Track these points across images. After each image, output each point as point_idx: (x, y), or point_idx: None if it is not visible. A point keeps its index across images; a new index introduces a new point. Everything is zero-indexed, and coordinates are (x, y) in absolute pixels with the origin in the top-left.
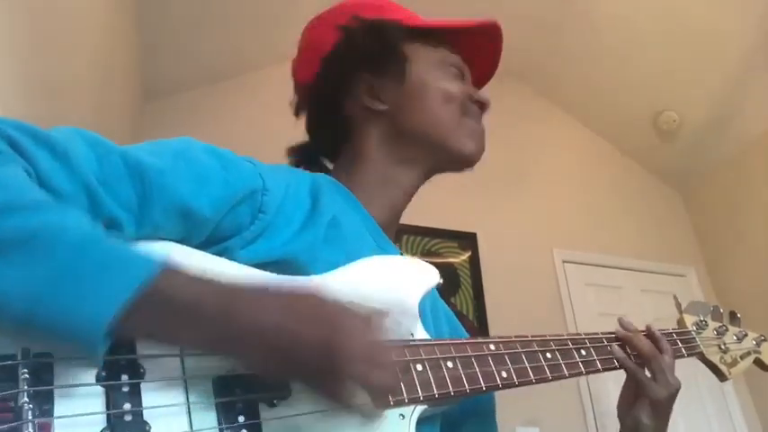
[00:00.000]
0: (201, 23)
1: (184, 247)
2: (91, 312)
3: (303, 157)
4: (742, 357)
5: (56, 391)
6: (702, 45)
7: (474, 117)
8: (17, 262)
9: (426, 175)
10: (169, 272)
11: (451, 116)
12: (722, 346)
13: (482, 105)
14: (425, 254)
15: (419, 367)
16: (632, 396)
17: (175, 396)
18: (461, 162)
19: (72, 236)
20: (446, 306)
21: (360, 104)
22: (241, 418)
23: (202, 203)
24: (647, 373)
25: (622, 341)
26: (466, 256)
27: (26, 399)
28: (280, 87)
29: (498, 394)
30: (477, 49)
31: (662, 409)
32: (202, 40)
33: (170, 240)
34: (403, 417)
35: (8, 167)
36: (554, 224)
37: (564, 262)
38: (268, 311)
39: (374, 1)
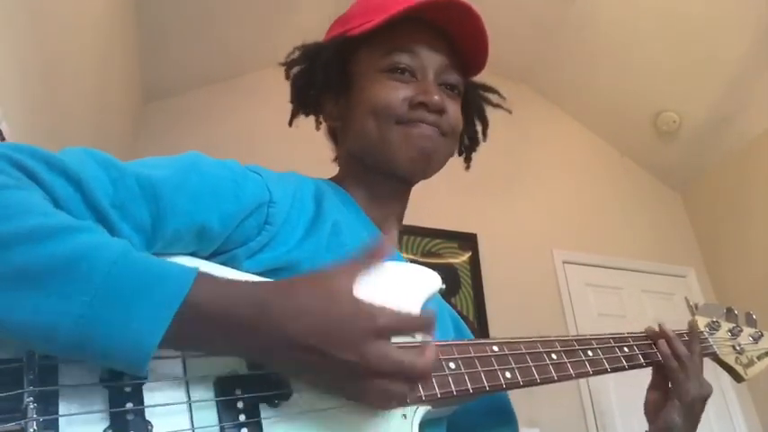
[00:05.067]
0: (201, 25)
1: (194, 258)
2: (137, 336)
3: None
4: (759, 358)
5: (60, 391)
6: (702, 45)
7: (414, 120)
8: (55, 291)
9: (400, 183)
10: (202, 282)
11: (379, 127)
12: (737, 347)
13: (425, 106)
14: (425, 254)
15: None
16: (663, 396)
17: (177, 395)
18: (399, 174)
19: (106, 257)
20: (452, 310)
21: (327, 120)
22: (242, 417)
23: (213, 220)
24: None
25: (666, 340)
26: (466, 256)
27: (31, 398)
28: (278, 89)
29: None
30: (456, 26)
31: (693, 411)
32: (202, 42)
33: (180, 254)
34: (405, 417)
35: (29, 193)
36: (554, 225)
37: (564, 262)
38: (299, 317)
39: (349, 10)
